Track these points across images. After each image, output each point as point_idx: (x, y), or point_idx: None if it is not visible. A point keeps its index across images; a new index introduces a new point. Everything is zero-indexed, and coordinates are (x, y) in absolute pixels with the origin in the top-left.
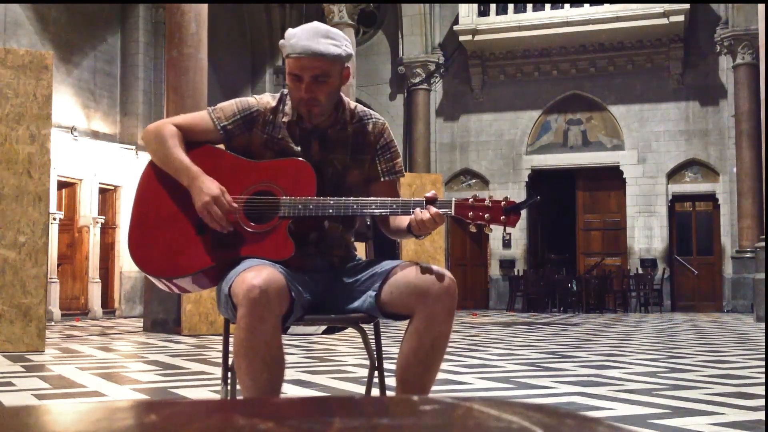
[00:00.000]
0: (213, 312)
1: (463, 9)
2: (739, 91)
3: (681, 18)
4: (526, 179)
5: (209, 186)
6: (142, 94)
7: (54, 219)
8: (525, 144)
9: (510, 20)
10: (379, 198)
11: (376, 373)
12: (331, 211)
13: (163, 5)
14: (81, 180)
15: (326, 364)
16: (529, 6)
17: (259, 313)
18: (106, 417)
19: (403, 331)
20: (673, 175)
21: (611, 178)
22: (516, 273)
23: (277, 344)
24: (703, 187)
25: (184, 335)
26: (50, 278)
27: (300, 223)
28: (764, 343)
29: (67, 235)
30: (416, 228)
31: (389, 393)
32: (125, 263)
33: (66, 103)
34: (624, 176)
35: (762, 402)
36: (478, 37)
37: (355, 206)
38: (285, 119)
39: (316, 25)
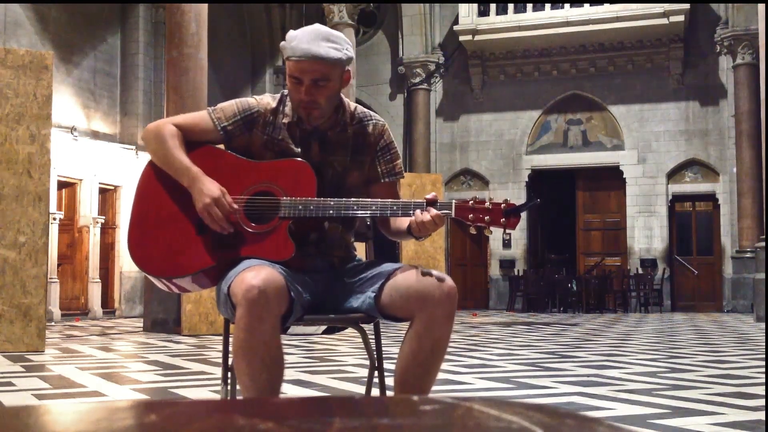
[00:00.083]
0: (213, 312)
1: (463, 9)
2: (739, 91)
3: (681, 18)
4: (526, 179)
5: (210, 187)
6: (142, 94)
7: (54, 219)
8: (525, 144)
9: (510, 20)
10: (379, 199)
11: (376, 373)
12: (331, 212)
13: (163, 5)
14: (81, 180)
15: (326, 364)
16: (529, 6)
17: (257, 313)
18: (106, 417)
19: (403, 332)
20: (673, 175)
21: (611, 178)
22: (516, 273)
23: (276, 344)
24: (703, 187)
25: (184, 335)
26: (50, 278)
27: (300, 223)
28: (764, 343)
29: (67, 235)
30: (416, 229)
31: (389, 393)
32: (125, 263)
33: (66, 103)
34: (624, 176)
35: (762, 402)
36: (478, 37)
37: (355, 207)
38: (285, 120)
39: (317, 27)
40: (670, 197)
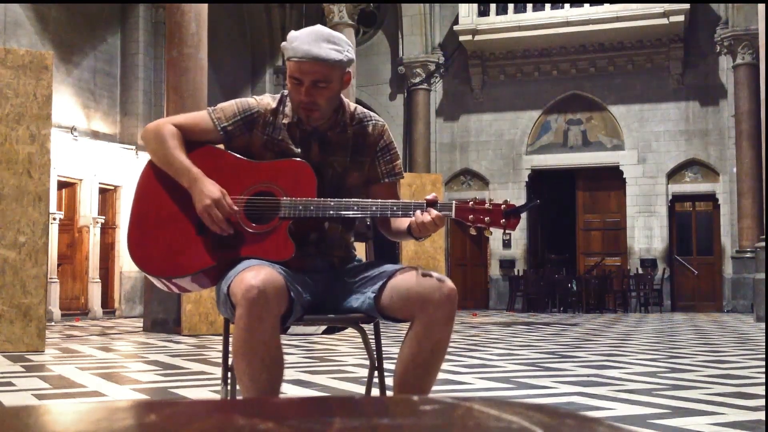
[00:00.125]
0: (213, 312)
1: (463, 9)
2: (739, 91)
3: (681, 18)
4: (526, 179)
5: (210, 189)
6: (142, 94)
7: (54, 219)
8: (525, 144)
9: (510, 20)
10: (379, 200)
11: (376, 373)
12: (331, 212)
13: (163, 5)
14: (81, 180)
15: (326, 364)
16: (529, 6)
17: (257, 313)
18: (106, 417)
19: (403, 332)
20: (673, 175)
21: (611, 178)
22: (516, 273)
23: (276, 344)
24: (703, 187)
25: (184, 335)
26: (50, 278)
27: (300, 223)
28: (764, 343)
29: (67, 235)
30: (416, 230)
31: (389, 393)
32: (125, 263)
33: (66, 103)
34: (624, 176)
35: (762, 402)
36: (478, 37)
37: (355, 208)
38: (285, 121)
39: (318, 28)
40: (670, 197)
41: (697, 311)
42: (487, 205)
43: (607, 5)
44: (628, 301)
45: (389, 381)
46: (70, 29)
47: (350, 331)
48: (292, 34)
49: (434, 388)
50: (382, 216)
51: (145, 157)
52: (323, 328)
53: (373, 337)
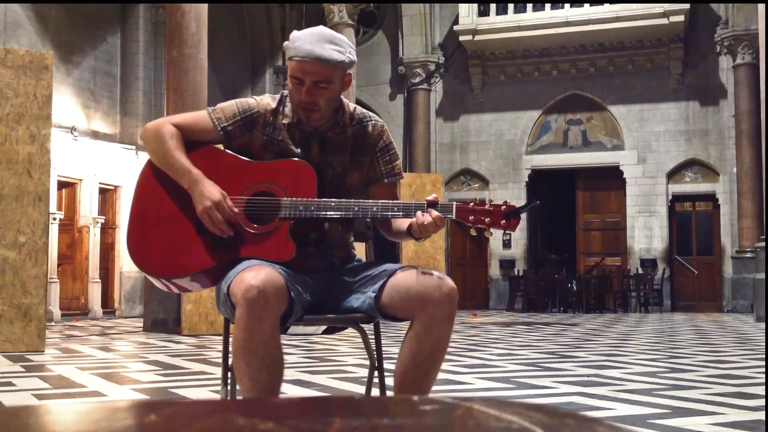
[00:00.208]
0: (213, 312)
1: (463, 9)
2: (739, 91)
3: (681, 18)
4: (526, 179)
5: (211, 190)
6: (142, 94)
7: (54, 219)
8: (525, 144)
9: (510, 20)
10: (380, 200)
11: (376, 373)
12: (332, 213)
13: (163, 5)
14: (81, 180)
15: (326, 364)
16: (529, 6)
17: (257, 313)
18: (106, 417)
19: (403, 331)
20: (673, 175)
21: (611, 178)
22: (516, 273)
23: (276, 344)
24: (703, 187)
25: (184, 335)
26: (50, 278)
27: (300, 223)
28: (764, 343)
29: (67, 235)
30: (417, 231)
31: (389, 393)
32: (125, 263)
33: (66, 103)
34: (624, 176)
35: (762, 402)
36: (478, 37)
37: (356, 208)
38: (285, 121)
39: (321, 29)
40: (670, 197)
41: (697, 311)
42: (487, 206)
43: (607, 5)
44: (628, 301)
45: (389, 381)
46: (70, 29)
47: (350, 331)
48: (295, 34)
49: (434, 388)
50: (383, 217)
51: (145, 157)
52: (323, 328)
53: (373, 337)
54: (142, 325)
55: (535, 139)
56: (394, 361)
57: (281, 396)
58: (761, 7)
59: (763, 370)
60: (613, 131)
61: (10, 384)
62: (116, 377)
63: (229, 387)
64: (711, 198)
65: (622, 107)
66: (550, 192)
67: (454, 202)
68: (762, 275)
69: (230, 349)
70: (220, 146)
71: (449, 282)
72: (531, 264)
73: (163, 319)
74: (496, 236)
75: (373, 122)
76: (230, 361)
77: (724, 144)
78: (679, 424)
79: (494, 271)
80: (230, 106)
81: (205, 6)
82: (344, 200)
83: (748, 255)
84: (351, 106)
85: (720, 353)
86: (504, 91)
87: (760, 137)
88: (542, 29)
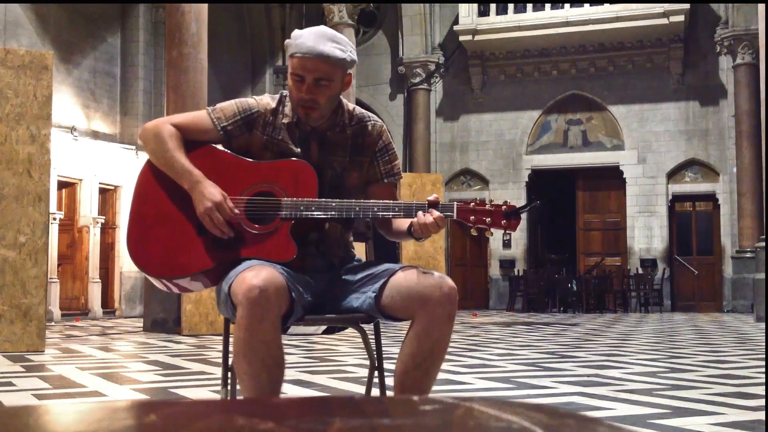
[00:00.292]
0: (213, 312)
1: (463, 9)
2: (739, 91)
3: (681, 18)
4: (526, 179)
5: (211, 191)
6: (142, 94)
7: (54, 219)
8: (525, 144)
9: (510, 20)
10: (381, 200)
11: (376, 373)
12: (333, 213)
13: (163, 5)
14: (81, 180)
15: (326, 364)
16: (529, 6)
17: (258, 313)
18: (106, 417)
19: (403, 331)
20: (673, 175)
21: (611, 178)
22: (516, 273)
23: (277, 344)
24: (703, 187)
25: (184, 335)
26: (50, 278)
27: (300, 223)
28: (764, 343)
29: (67, 235)
30: (418, 231)
31: (389, 393)
32: (125, 263)
33: (66, 103)
34: (624, 176)
35: (762, 402)
36: (478, 37)
37: (357, 208)
38: (285, 120)
39: (323, 28)
40: (670, 197)
41: (697, 311)
42: (488, 206)
43: (607, 5)
44: (628, 301)
45: (389, 381)
46: (70, 29)
47: (350, 331)
48: (297, 32)
49: (434, 388)
50: (384, 217)
51: (144, 157)
52: (323, 328)
53: (373, 337)
54: (142, 325)
55: (535, 139)
56: (394, 361)
57: (282, 396)
58: (761, 7)
59: (763, 370)
60: (613, 131)
61: (10, 384)
62: (116, 377)
63: (229, 387)
64: (711, 198)
65: (622, 107)
66: (550, 192)
67: (455, 202)
68: (762, 275)
69: (230, 349)
70: (220, 146)
71: (449, 282)
72: (531, 264)
73: (163, 319)
74: (496, 236)
75: (372, 122)
76: (230, 361)
77: (724, 144)
78: (679, 424)
79: (494, 271)
80: (230, 105)
81: (205, 6)
82: (345, 200)
83: (748, 255)
84: (350, 106)
85: (720, 353)
86: (504, 91)
87: (760, 137)
88: (542, 29)
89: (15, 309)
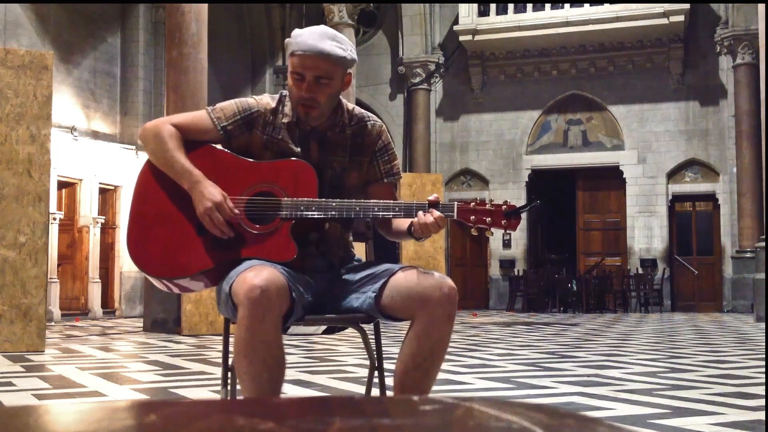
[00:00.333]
0: (213, 312)
1: (463, 9)
2: (739, 91)
3: (681, 18)
4: (526, 179)
5: (211, 191)
6: (142, 94)
7: (54, 219)
8: (525, 144)
9: (510, 20)
10: (381, 200)
11: (376, 373)
12: (333, 213)
13: (163, 5)
14: (81, 180)
15: (326, 364)
16: (529, 6)
17: (259, 313)
18: (106, 417)
19: (403, 331)
20: (673, 175)
21: (611, 178)
22: (516, 273)
23: (278, 344)
24: (703, 187)
25: (184, 335)
26: (50, 278)
27: (300, 223)
28: (764, 343)
29: (67, 235)
30: (418, 231)
31: (389, 393)
32: (125, 263)
33: (66, 103)
34: (624, 176)
35: (762, 402)
36: (478, 37)
37: (357, 208)
38: (285, 120)
39: (323, 28)
40: (670, 197)
41: (697, 311)
42: (488, 206)
43: (607, 5)
44: (628, 301)
45: (389, 381)
46: (70, 29)
47: (350, 331)
48: (297, 31)
49: (434, 388)
50: (384, 217)
51: (144, 157)
52: (323, 328)
53: (373, 337)
54: (142, 325)
55: (535, 139)
56: (394, 361)
57: (282, 396)
58: (761, 7)
59: (763, 370)
60: (613, 131)
61: (10, 384)
62: (116, 377)
63: (229, 387)
64: (711, 198)
65: (622, 107)
66: (550, 192)
67: (456, 202)
68: (762, 275)
69: (230, 349)
70: (220, 146)
71: (449, 282)
72: (531, 264)
73: (163, 319)
74: (496, 236)
75: (372, 122)
76: (230, 361)
77: (724, 144)
78: (679, 424)
79: (494, 271)
80: (230, 105)
81: (205, 6)
82: (345, 200)
83: (748, 255)
84: (350, 106)
85: (720, 353)
86: (504, 91)
87: (760, 137)
88: (542, 29)
89: (15, 309)
